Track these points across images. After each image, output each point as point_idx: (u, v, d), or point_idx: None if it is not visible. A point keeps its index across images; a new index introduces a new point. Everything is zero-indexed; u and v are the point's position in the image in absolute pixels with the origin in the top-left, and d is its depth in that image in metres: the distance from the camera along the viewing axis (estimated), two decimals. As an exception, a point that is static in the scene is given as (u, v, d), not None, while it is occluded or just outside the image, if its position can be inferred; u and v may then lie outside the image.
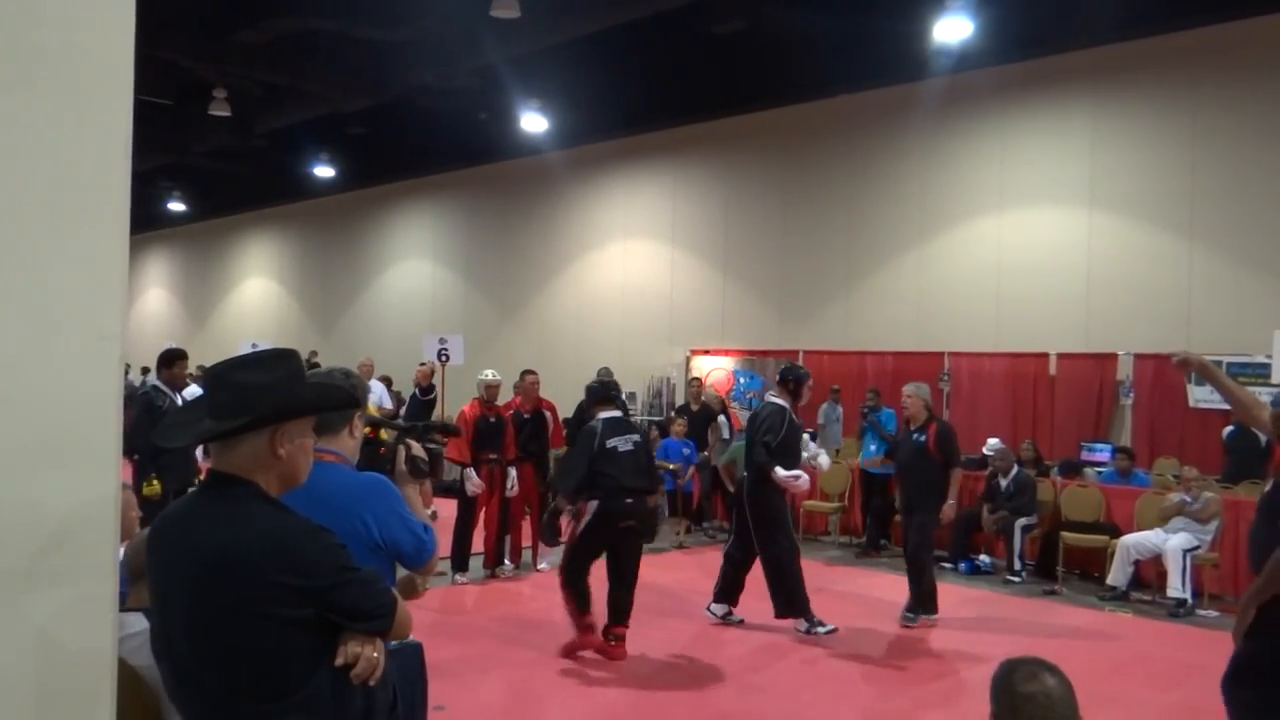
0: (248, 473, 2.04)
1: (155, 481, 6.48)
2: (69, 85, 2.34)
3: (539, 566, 8.94)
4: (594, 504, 6.37)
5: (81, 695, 2.27)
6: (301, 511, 2.15)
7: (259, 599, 1.92)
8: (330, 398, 2.34)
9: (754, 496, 7.15)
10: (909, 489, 7.66)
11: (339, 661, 2.00)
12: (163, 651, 2.07)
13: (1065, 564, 9.03)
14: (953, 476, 7.52)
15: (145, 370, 19.61)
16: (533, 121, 14.16)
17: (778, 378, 7.61)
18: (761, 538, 7.09)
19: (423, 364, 11.98)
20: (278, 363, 2.11)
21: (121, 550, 2.87)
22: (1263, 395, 9.84)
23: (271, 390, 2.05)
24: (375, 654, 2.04)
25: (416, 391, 11.99)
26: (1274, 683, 3.39)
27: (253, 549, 1.95)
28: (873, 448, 10.58)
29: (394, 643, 3.56)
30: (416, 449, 2.95)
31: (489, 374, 8.65)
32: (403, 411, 12.99)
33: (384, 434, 2.99)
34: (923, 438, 7.52)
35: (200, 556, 1.97)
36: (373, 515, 2.53)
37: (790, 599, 7.06)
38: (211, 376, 2.09)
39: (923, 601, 7.47)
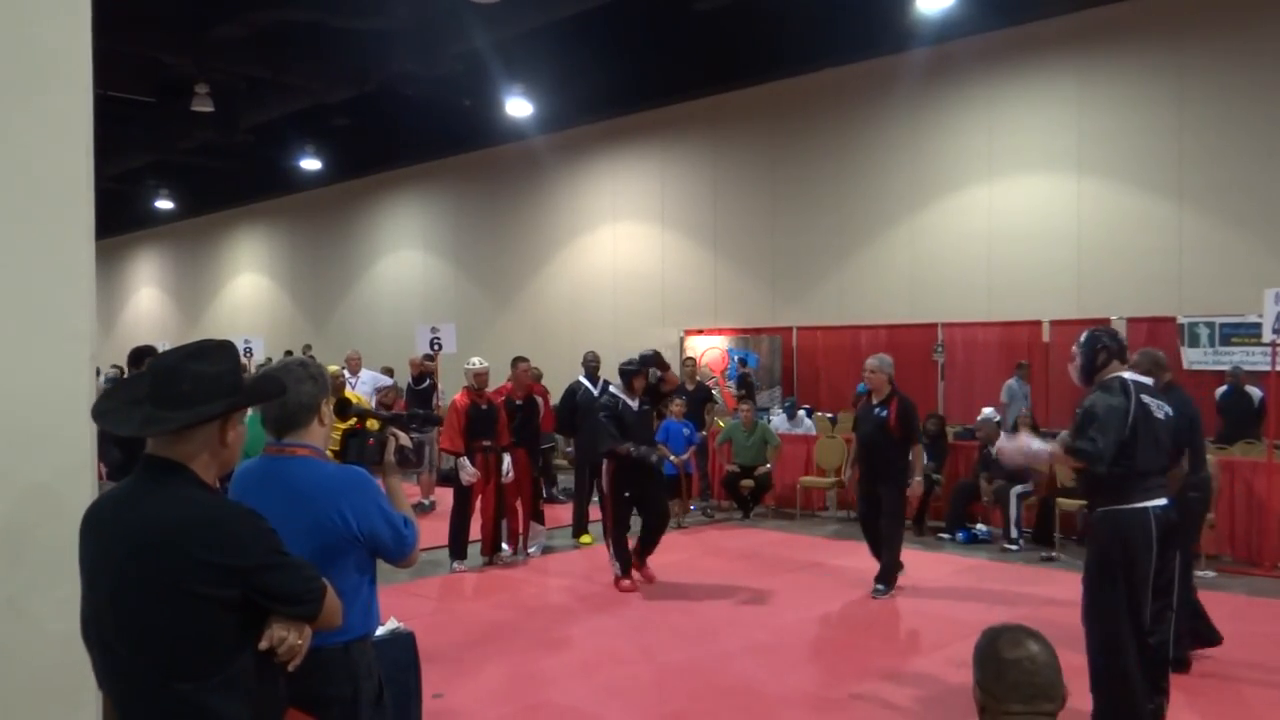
0: (188, 459, 2.08)
1: None
2: (25, 83, 2.31)
3: (528, 550, 8.97)
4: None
5: (66, 691, 2.27)
6: (278, 505, 2.16)
7: (185, 577, 1.96)
8: (269, 389, 2.40)
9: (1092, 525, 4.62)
10: (872, 465, 7.44)
11: (263, 645, 2.03)
12: (94, 636, 2.10)
13: (1062, 530, 9.05)
14: (914, 452, 7.37)
15: (123, 371, 19.58)
16: (517, 106, 14.09)
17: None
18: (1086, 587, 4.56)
19: (429, 357, 12.01)
20: (224, 354, 2.17)
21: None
22: (1254, 354, 9.89)
23: (225, 380, 2.11)
24: (299, 640, 2.07)
25: (410, 382, 12.02)
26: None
27: (181, 527, 1.98)
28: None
29: (383, 632, 3.58)
30: (404, 439, 2.94)
31: (476, 362, 8.63)
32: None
33: (371, 424, 2.99)
34: (884, 413, 7.31)
35: (129, 535, 2.00)
36: (351, 508, 2.52)
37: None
38: (162, 367, 2.11)
39: (890, 575, 7.45)
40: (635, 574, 7.80)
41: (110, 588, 2.02)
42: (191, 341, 2.21)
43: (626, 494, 7.81)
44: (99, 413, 2.16)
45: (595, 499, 10.04)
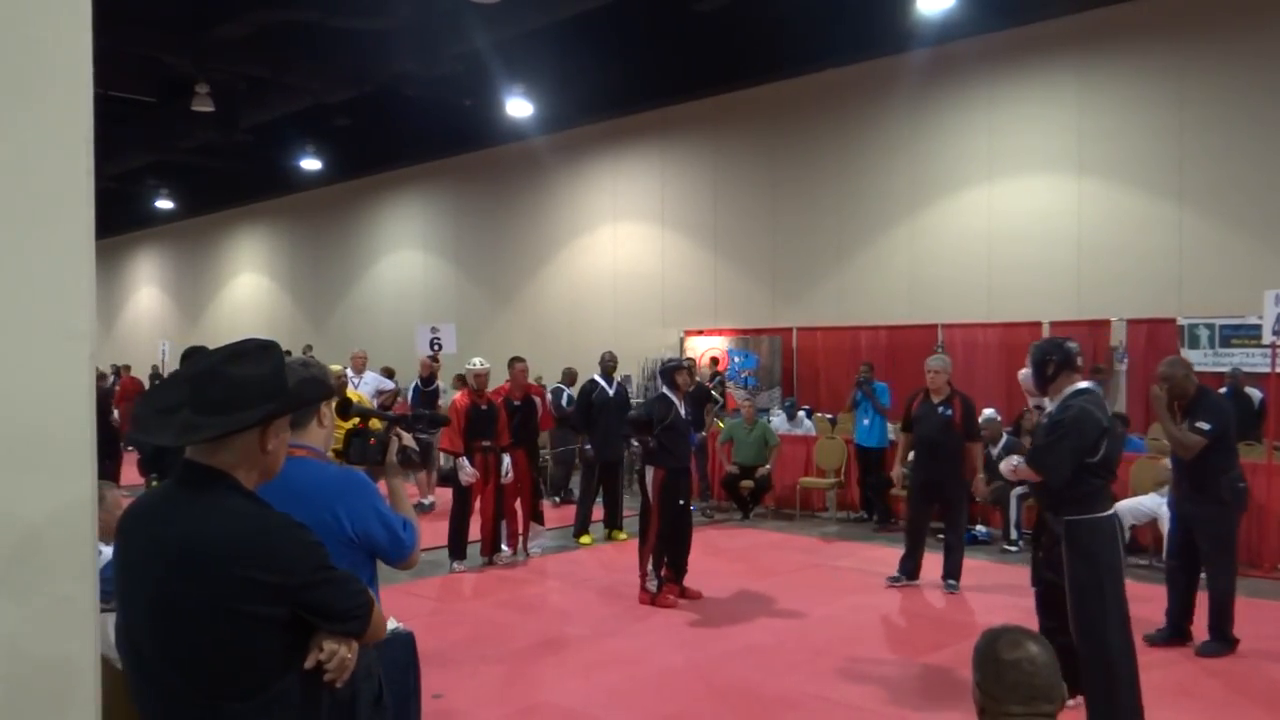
0: (229, 467, 1.98)
1: (155, 483, 6.42)
2: (25, 83, 2.31)
3: (529, 550, 8.97)
4: None
5: (61, 699, 2.26)
6: (275, 506, 2.13)
7: (231, 595, 1.87)
8: (315, 391, 2.29)
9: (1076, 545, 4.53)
10: (936, 463, 7.61)
11: (310, 663, 1.96)
12: (127, 649, 2.03)
13: (1063, 532, 9.04)
14: (974, 450, 7.63)
15: (119, 369, 19.52)
16: (518, 106, 14.09)
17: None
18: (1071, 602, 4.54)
19: (431, 357, 12.02)
20: (265, 355, 2.05)
21: (110, 550, 2.88)
22: (1253, 355, 9.89)
23: (265, 385, 2.00)
24: (349, 655, 2.00)
25: (419, 382, 11.97)
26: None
27: (227, 543, 1.90)
28: (865, 422, 10.56)
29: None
30: (407, 439, 2.93)
31: (476, 362, 8.64)
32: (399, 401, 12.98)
33: (374, 424, 2.98)
34: (949, 412, 7.55)
35: (170, 550, 1.92)
36: (346, 510, 2.51)
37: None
38: (200, 371, 2.01)
39: (960, 570, 7.75)
40: (673, 596, 7.29)
41: (148, 603, 1.94)
42: (235, 341, 2.10)
43: (681, 502, 7.33)
44: (136, 420, 2.04)
45: (599, 498, 10.05)
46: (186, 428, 1.95)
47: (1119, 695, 4.35)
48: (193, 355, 6.80)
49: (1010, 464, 4.88)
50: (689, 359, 13.01)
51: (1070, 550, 4.48)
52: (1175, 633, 6.15)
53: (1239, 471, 6.18)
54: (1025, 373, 4.93)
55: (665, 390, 7.50)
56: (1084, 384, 4.64)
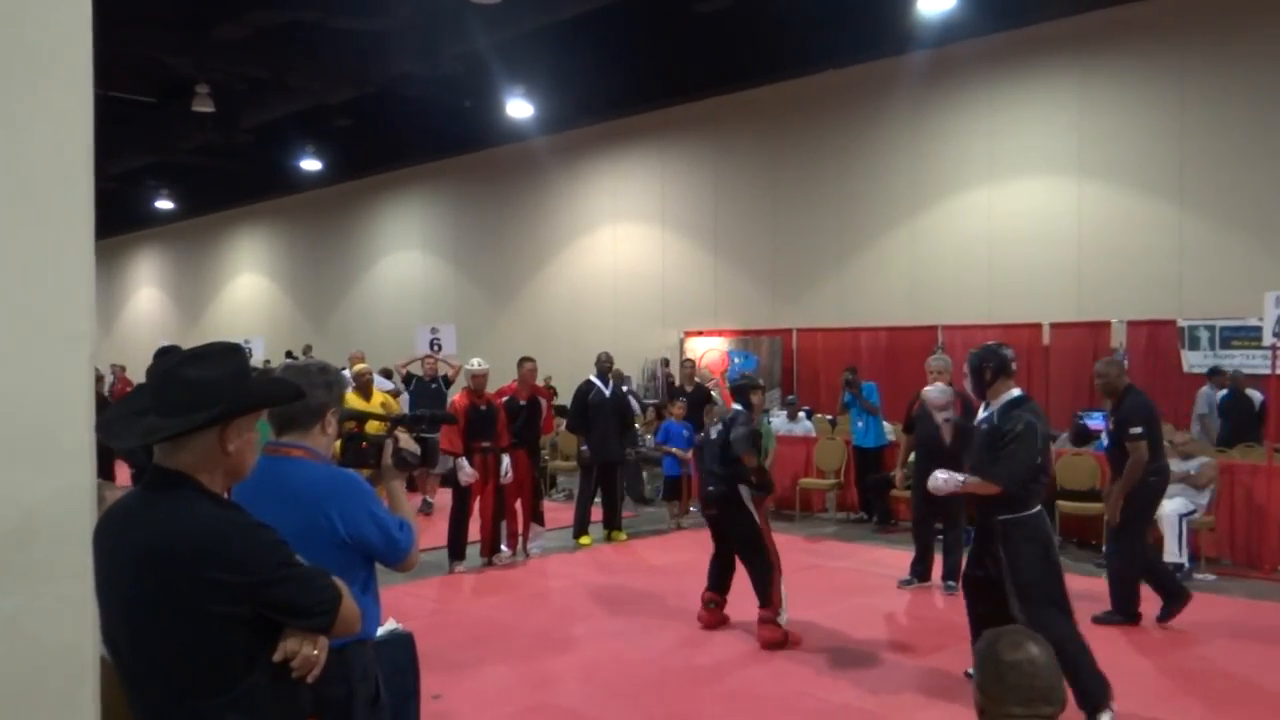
0: (192, 469, 2.02)
1: None
2: (26, 83, 2.31)
3: (529, 551, 8.97)
4: None
5: (62, 696, 2.27)
6: (268, 506, 2.13)
7: (193, 595, 1.92)
8: (280, 392, 2.30)
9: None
10: (934, 464, 7.45)
11: (276, 658, 1.99)
12: (110, 650, 2.08)
13: (1062, 533, 9.03)
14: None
15: (115, 370, 19.51)
16: (518, 108, 14.09)
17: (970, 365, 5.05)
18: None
19: (432, 356, 11.99)
20: (226, 358, 2.08)
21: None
22: (1254, 357, 9.89)
23: (222, 386, 2.02)
24: (314, 651, 2.03)
25: (440, 382, 11.92)
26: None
27: (187, 545, 1.94)
28: (860, 424, 10.54)
29: (382, 633, 3.58)
30: (405, 440, 2.92)
31: (475, 363, 8.66)
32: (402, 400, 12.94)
33: (372, 426, 2.97)
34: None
35: (136, 553, 1.96)
36: (338, 511, 2.51)
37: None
38: (159, 374, 2.05)
39: (958, 570, 7.55)
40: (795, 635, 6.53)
41: (122, 605, 2.00)
42: (200, 344, 2.14)
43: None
44: (102, 424, 2.08)
45: (598, 499, 10.04)
46: (149, 430, 2.00)
47: (1084, 666, 4.57)
48: (163, 355, 6.80)
49: (940, 479, 5.05)
50: (688, 360, 13.04)
51: (1011, 546, 4.76)
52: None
53: (1160, 465, 6.61)
54: (934, 390, 5.15)
55: (739, 408, 6.83)
56: (1017, 391, 4.90)
